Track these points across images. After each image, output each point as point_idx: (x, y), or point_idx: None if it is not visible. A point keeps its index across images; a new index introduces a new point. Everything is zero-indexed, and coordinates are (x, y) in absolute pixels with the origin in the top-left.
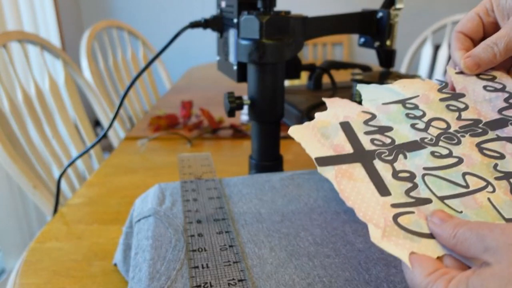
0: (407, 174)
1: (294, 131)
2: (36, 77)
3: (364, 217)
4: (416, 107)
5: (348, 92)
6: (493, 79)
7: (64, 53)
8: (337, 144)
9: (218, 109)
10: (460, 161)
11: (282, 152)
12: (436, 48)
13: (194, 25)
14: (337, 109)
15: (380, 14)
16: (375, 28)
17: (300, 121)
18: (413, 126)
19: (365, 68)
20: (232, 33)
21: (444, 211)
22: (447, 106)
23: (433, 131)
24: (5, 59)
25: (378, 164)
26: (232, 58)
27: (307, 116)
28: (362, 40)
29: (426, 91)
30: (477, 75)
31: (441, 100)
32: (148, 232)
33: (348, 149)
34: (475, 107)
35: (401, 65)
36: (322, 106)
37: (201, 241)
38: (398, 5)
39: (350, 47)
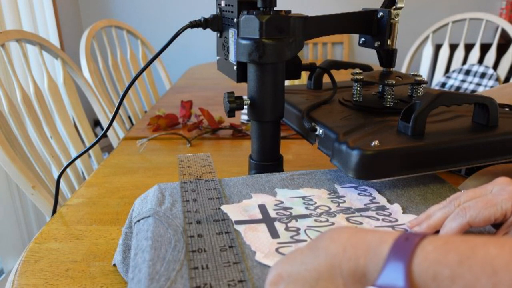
0: (294, 228)
1: (225, 208)
2: (35, 76)
3: (256, 249)
4: (311, 200)
5: (349, 92)
6: (365, 190)
7: (63, 52)
8: (252, 214)
9: (218, 109)
10: (332, 225)
11: (282, 152)
12: (437, 47)
13: (193, 24)
14: (258, 198)
15: (380, 14)
16: (375, 28)
17: (300, 121)
18: (306, 208)
19: (366, 68)
20: (231, 33)
21: None
22: (332, 200)
23: (319, 211)
24: (4, 58)
25: (276, 223)
26: (232, 58)
27: (307, 116)
28: (363, 39)
29: (320, 194)
30: (355, 188)
31: (328, 198)
32: (148, 233)
33: (259, 216)
34: (349, 201)
35: (402, 65)
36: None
37: (200, 242)
38: (398, 5)
39: (350, 47)
